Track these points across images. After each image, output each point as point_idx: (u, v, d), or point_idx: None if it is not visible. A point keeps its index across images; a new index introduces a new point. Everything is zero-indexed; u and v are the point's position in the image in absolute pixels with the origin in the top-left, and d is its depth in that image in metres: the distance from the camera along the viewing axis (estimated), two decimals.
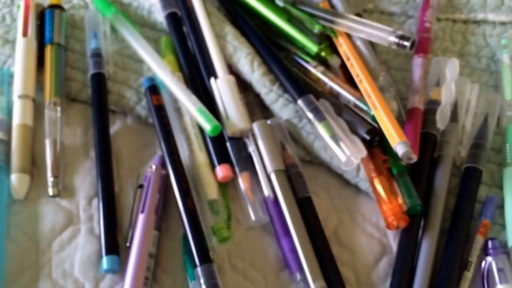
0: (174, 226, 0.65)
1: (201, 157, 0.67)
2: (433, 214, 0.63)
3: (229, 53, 0.72)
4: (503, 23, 0.77)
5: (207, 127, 0.66)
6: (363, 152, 0.64)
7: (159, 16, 0.76)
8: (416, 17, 0.77)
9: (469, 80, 0.71)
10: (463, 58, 0.75)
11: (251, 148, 0.67)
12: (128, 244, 0.63)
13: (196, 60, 0.73)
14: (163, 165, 0.66)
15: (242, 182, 0.66)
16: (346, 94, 0.69)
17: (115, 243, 0.63)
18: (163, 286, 0.62)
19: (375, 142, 0.66)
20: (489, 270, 0.61)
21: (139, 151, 0.70)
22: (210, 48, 0.73)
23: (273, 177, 0.65)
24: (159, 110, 0.69)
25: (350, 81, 0.70)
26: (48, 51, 0.74)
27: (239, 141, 0.68)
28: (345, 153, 0.63)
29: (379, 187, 0.64)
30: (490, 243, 0.62)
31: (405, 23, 0.78)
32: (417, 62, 0.71)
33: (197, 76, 0.72)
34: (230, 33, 0.74)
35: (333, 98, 0.69)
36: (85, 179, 0.68)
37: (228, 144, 0.67)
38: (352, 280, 0.63)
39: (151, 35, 0.76)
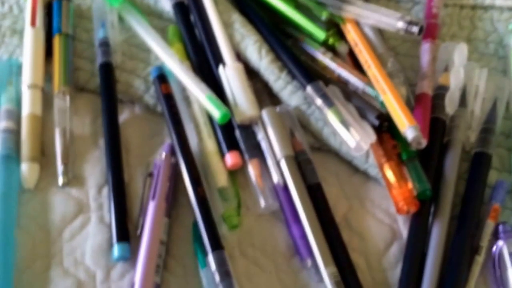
0: (183, 214, 0.65)
1: (210, 145, 0.67)
2: (443, 199, 0.63)
3: (237, 40, 0.72)
4: (511, 9, 0.77)
5: (217, 114, 0.66)
6: (373, 137, 0.64)
7: (166, 5, 0.76)
8: (423, 3, 0.77)
9: (477, 65, 0.71)
10: (471, 44, 0.75)
11: (260, 135, 0.67)
12: (138, 232, 0.63)
13: (204, 48, 0.73)
14: (172, 153, 0.66)
15: (252, 169, 0.66)
16: (354, 80, 0.69)
17: (125, 231, 0.63)
18: (173, 274, 0.62)
19: (384, 128, 0.65)
20: (500, 254, 0.61)
21: (148, 140, 0.70)
22: (218, 36, 0.73)
23: (282, 163, 0.65)
24: (168, 99, 0.69)
25: (357, 68, 0.70)
26: (56, 41, 0.74)
27: (248, 129, 0.68)
28: (355, 138, 0.63)
29: (389, 173, 0.64)
30: (501, 227, 0.62)
31: (412, 10, 0.78)
32: (425, 47, 0.71)
33: (205, 64, 0.72)
34: (238, 21, 0.74)
35: (342, 85, 0.69)
36: (95, 168, 0.68)
37: (237, 132, 0.67)
38: (363, 266, 0.63)
39: (157, 24, 0.76)
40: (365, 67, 0.69)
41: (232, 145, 0.67)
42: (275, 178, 0.65)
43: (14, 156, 0.67)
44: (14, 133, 0.68)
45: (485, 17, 0.77)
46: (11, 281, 0.61)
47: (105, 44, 0.73)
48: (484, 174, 0.65)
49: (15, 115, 0.69)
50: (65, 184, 0.66)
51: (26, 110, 0.69)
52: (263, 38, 0.72)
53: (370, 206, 0.66)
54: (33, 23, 0.74)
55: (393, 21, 0.69)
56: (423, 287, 0.60)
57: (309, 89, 0.68)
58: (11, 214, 0.64)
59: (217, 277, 0.59)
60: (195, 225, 0.63)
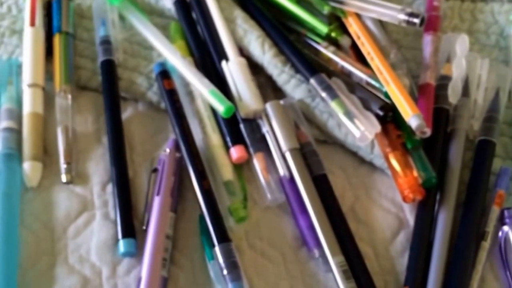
0: (190, 208, 0.65)
1: (215, 139, 0.67)
2: (449, 187, 0.63)
3: (240, 36, 0.73)
4: (511, 0, 0.77)
5: (221, 108, 0.66)
6: (377, 127, 0.64)
7: (168, 2, 0.77)
8: None
9: (479, 56, 0.71)
10: (472, 36, 0.75)
11: (265, 129, 0.67)
12: (144, 227, 0.63)
13: (206, 44, 0.73)
14: (177, 148, 0.66)
15: (257, 162, 0.66)
16: (358, 72, 0.69)
17: (131, 226, 0.63)
18: (181, 267, 0.62)
19: (389, 118, 0.66)
20: (506, 239, 0.61)
21: (152, 137, 0.70)
22: (220, 31, 0.73)
23: (288, 155, 0.65)
24: (172, 94, 0.69)
25: (360, 61, 0.70)
26: (57, 39, 0.74)
27: (253, 122, 0.68)
28: (359, 129, 0.64)
29: (394, 162, 0.64)
30: (506, 213, 0.62)
31: (413, 4, 0.78)
32: (428, 39, 0.71)
33: (208, 60, 0.72)
34: (240, 16, 0.74)
35: (345, 77, 0.69)
36: (98, 165, 0.68)
37: (241, 126, 0.67)
38: (370, 255, 0.63)
39: (159, 22, 0.76)
40: (368, 59, 0.69)
41: (237, 139, 0.67)
42: (281, 170, 0.65)
43: (16, 155, 0.67)
44: (15, 132, 0.68)
45: (486, 10, 0.77)
46: (15, 279, 0.60)
47: (106, 42, 0.73)
48: (489, 161, 0.65)
49: (16, 115, 0.69)
50: (69, 182, 0.66)
51: (27, 108, 0.69)
52: (266, 33, 0.73)
53: (377, 196, 0.66)
54: (32, 23, 0.74)
55: (394, 13, 0.69)
56: (431, 274, 0.60)
57: (312, 81, 0.68)
58: (14, 212, 0.64)
59: (224, 269, 0.59)
60: (202, 218, 0.62)
